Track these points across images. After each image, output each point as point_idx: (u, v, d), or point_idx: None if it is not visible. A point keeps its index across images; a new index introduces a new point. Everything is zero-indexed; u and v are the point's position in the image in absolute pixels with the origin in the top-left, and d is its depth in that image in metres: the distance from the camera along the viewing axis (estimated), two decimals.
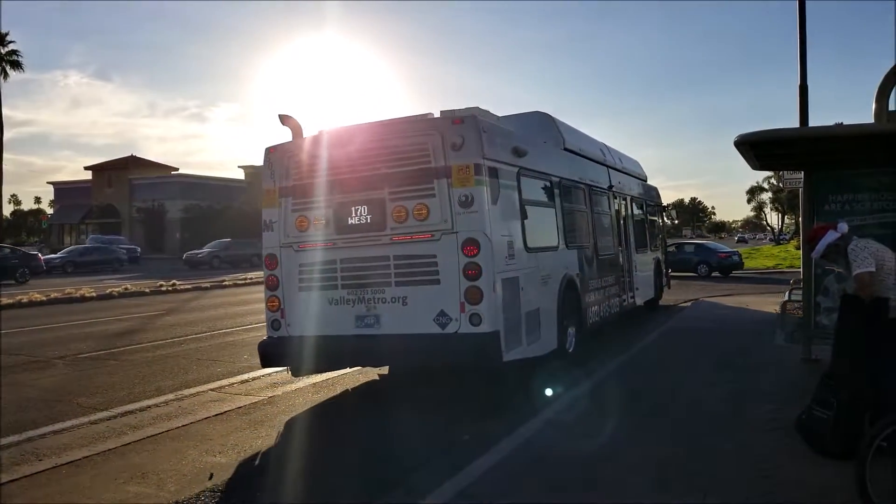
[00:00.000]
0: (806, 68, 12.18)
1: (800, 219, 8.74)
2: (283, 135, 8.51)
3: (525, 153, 8.26)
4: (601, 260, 11.06)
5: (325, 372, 8.62)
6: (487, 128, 7.35)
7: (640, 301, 13.78)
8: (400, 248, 7.19)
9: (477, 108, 7.64)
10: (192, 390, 8.17)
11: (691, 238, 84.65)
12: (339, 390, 8.18)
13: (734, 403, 6.77)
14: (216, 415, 7.09)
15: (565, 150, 10.54)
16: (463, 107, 7.52)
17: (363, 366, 8.69)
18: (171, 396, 7.87)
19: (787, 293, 10.93)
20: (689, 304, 16.92)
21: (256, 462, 5.56)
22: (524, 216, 8.03)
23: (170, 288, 22.93)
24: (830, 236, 5.14)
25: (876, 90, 5.96)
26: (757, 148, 6.87)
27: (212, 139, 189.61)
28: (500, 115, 8.49)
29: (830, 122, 8.92)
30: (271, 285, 7.77)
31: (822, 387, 5.28)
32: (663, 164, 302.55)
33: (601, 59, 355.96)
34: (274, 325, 7.74)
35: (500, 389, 7.84)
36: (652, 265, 15.42)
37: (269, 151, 7.95)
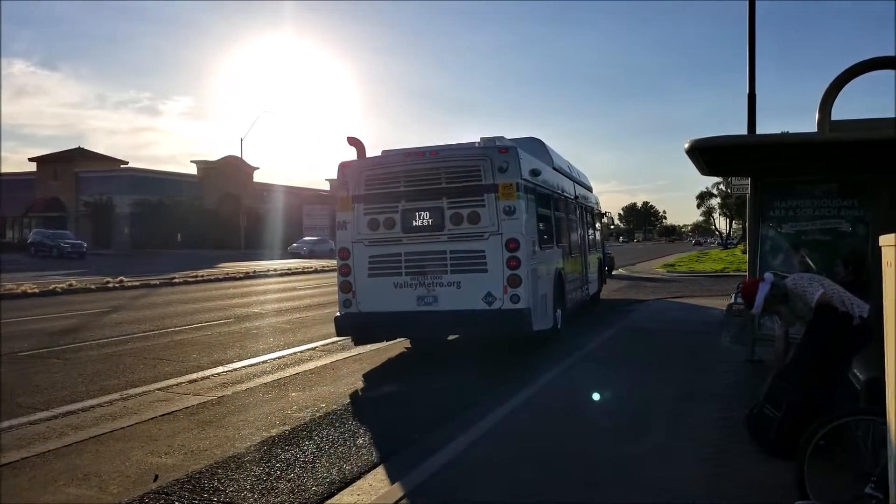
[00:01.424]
0: (754, 78, 12.55)
1: (746, 224, 8.98)
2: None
3: (540, 174, 10.75)
4: (572, 257, 13.48)
5: (388, 340, 10.65)
6: (522, 156, 9.60)
7: (591, 292, 16.32)
8: (455, 244, 9.25)
9: (502, 137, 9.96)
10: (138, 390, 7.99)
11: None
12: (290, 390, 8.09)
13: (682, 402, 6.92)
14: (163, 415, 6.95)
15: (553, 169, 12.84)
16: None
17: (423, 336, 10.70)
18: (115, 396, 7.68)
19: (732, 296, 11.21)
20: (641, 303, 17.29)
21: (204, 463, 5.46)
22: (538, 221, 10.32)
23: (117, 284, 22.39)
24: (763, 289, 5.27)
25: (819, 100, 6.14)
26: (706, 154, 7.02)
27: (164, 133, 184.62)
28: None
29: (779, 130, 9.19)
30: (344, 272, 9.65)
31: (775, 387, 5.44)
32: (617, 168, 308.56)
33: (557, 64, 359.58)
34: (346, 303, 9.61)
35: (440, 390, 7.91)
36: (597, 263, 18.00)
37: (343, 166, 9.83)
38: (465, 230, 9.24)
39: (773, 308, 5.36)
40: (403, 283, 9.39)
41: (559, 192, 12.75)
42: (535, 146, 12.64)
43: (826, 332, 5.09)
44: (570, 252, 13.10)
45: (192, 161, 69.29)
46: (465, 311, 9.13)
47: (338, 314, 9.80)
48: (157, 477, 5.12)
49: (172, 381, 8.46)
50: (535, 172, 10.35)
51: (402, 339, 10.89)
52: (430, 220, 9.38)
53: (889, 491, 3.29)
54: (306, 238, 57.27)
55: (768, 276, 5.45)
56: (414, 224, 9.43)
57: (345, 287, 9.65)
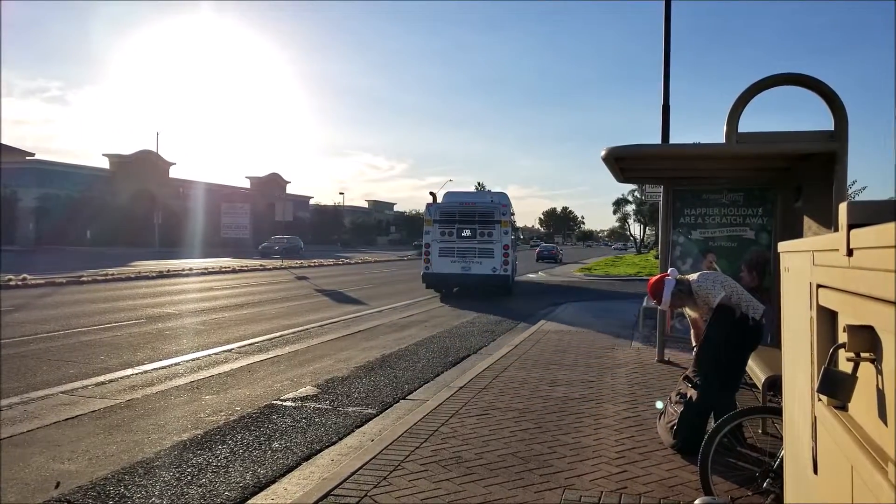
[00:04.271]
0: (669, 90, 12.98)
1: (659, 230, 9.32)
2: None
3: (513, 213, 23.17)
4: (514, 254, 23.28)
5: (445, 289, 21.71)
6: (510, 206, 22.22)
7: (516, 275, 26.03)
8: (480, 245, 20.94)
9: (501, 194, 23.37)
10: (40, 393, 7.59)
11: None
12: (204, 393, 7.87)
13: (594, 401, 7.11)
14: (66, 419, 6.63)
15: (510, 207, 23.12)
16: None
17: (462, 285, 21.51)
18: (15, 399, 7.27)
19: (644, 299, 11.59)
20: (558, 305, 17.65)
21: (110, 469, 5.24)
22: (512, 236, 21.91)
23: (20, 282, 21.19)
24: (670, 284, 5.47)
25: (727, 113, 6.40)
26: (621, 162, 7.24)
27: (75, 124, 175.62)
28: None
29: (693, 140, 9.54)
30: (427, 255, 21.00)
31: (683, 386, 5.69)
32: (539, 173, 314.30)
33: (483, 70, 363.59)
34: (426, 268, 20.91)
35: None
36: (516, 259, 27.59)
37: (429, 204, 21.60)
38: (485, 239, 21.04)
39: (679, 302, 5.57)
40: (455, 260, 21.04)
41: (513, 220, 23.63)
42: (505, 196, 23.11)
43: (723, 332, 5.34)
44: (513, 251, 22.84)
45: (104, 155, 66.67)
46: (483, 274, 20.91)
47: (422, 272, 21.27)
48: (58, 484, 4.89)
49: (77, 384, 8.08)
50: (512, 213, 22.59)
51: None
52: (469, 234, 21.15)
53: (785, 485, 3.47)
54: None
55: (673, 271, 5.67)
56: (462, 235, 21.17)
57: (426, 260, 21.15)
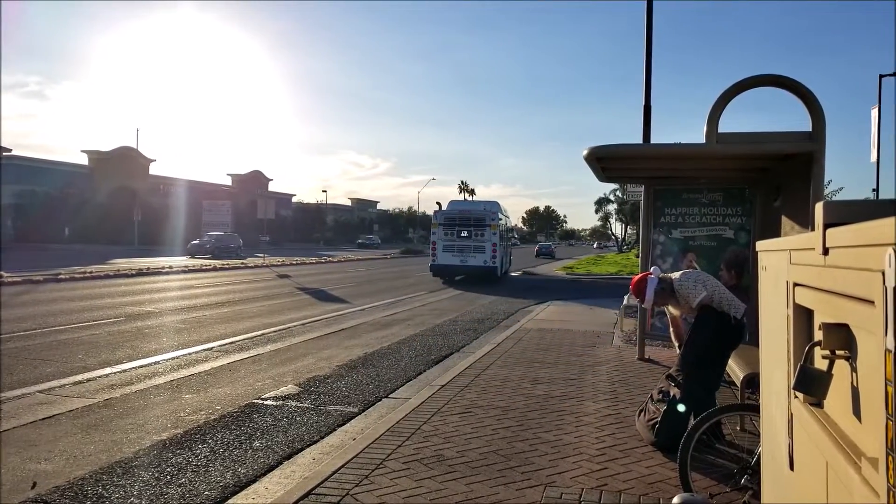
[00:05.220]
0: (650, 91, 13.08)
1: (640, 230, 9.38)
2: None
3: (502, 218, 30.36)
4: (506, 250, 31.48)
5: (447, 276, 28.21)
6: (501, 212, 30.57)
7: (509, 266, 33.43)
8: (475, 243, 27.54)
9: (493, 202, 31.06)
10: (16, 392, 7.49)
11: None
12: (184, 392, 7.81)
13: (575, 399, 7.14)
14: (43, 419, 6.54)
15: (501, 212, 30.34)
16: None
17: (461, 274, 27.87)
18: None
19: (625, 298, 11.66)
20: (540, 304, 17.73)
21: (88, 469, 5.19)
22: (502, 235, 29.79)
23: None
24: (652, 283, 5.50)
25: (708, 113, 6.46)
26: (603, 161, 7.29)
27: (53, 119, 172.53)
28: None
29: (674, 139, 9.60)
30: (434, 250, 27.83)
31: (664, 384, 5.74)
32: (522, 172, 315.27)
33: (468, 69, 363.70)
34: (434, 260, 27.91)
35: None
36: (510, 253, 34.87)
37: (436, 211, 28.72)
38: (478, 239, 27.28)
39: (661, 300, 5.61)
40: (455, 254, 27.23)
41: (504, 223, 30.40)
42: (496, 205, 29.89)
43: (706, 331, 5.39)
44: (505, 247, 30.85)
45: (83, 151, 65.81)
46: (477, 265, 27.18)
47: (430, 264, 28.05)
48: (35, 484, 4.83)
49: (55, 383, 7.98)
50: (501, 219, 29.18)
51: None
52: (466, 234, 27.37)
53: (762, 481, 3.51)
54: None
55: (655, 269, 5.71)
56: (461, 235, 27.38)
57: (433, 255, 27.66)
